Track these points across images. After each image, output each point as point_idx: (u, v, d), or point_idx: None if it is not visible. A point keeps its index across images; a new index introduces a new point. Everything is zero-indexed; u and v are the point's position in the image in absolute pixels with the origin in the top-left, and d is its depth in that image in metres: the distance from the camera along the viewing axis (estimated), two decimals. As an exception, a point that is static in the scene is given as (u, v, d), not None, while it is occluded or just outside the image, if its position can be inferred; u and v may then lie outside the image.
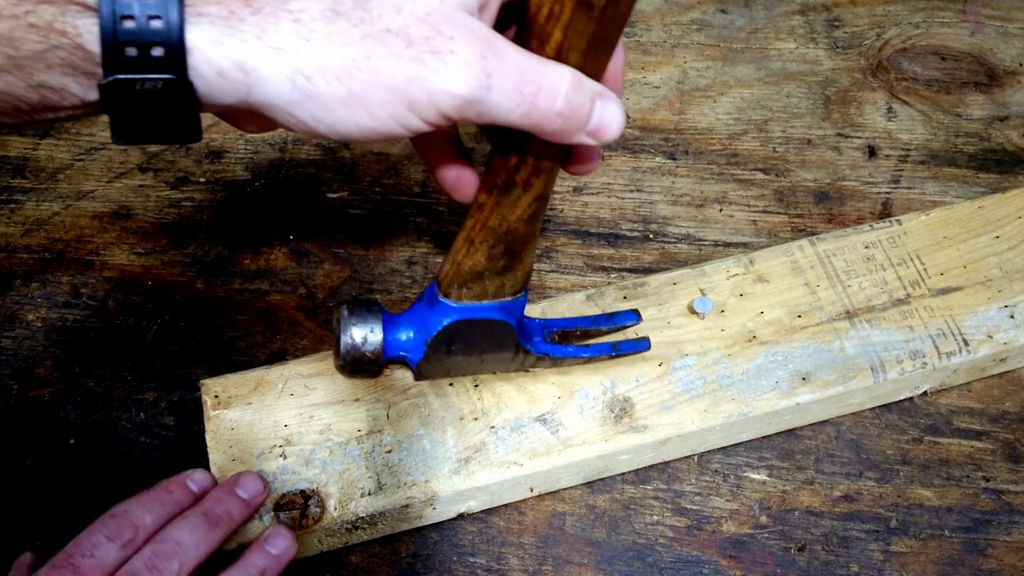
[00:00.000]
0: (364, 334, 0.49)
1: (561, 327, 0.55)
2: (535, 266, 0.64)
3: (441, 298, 0.48)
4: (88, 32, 0.32)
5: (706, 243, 0.65)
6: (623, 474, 0.56)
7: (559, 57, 0.35)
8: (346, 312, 0.49)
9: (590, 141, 0.37)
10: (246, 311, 0.63)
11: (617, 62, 0.40)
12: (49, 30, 0.31)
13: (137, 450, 0.57)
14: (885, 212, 0.66)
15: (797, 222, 0.66)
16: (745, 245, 0.65)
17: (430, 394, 0.54)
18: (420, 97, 0.34)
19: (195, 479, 0.49)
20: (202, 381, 0.54)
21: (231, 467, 0.51)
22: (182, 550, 0.44)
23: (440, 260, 0.64)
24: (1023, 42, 0.75)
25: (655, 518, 0.55)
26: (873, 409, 0.58)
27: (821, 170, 0.69)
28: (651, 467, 0.56)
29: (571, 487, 0.56)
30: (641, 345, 0.54)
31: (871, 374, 0.55)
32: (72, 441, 0.58)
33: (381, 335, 0.49)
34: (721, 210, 0.67)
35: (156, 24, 0.32)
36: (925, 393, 0.58)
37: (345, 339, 0.49)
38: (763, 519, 0.55)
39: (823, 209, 0.67)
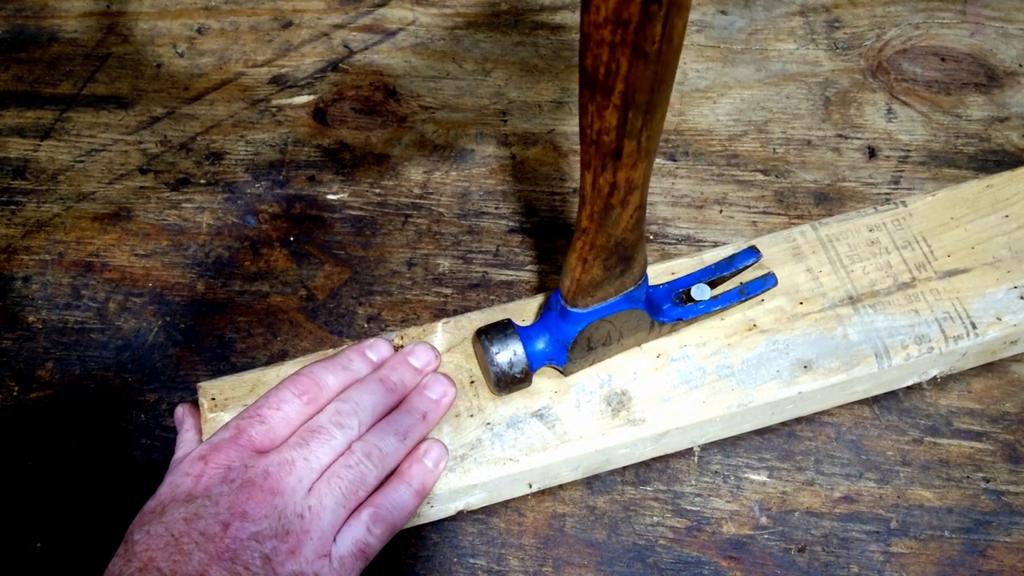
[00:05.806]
0: (509, 357, 0.50)
1: (685, 285, 0.55)
2: (535, 268, 0.64)
3: (569, 308, 0.49)
4: None
5: (706, 244, 0.65)
6: (623, 475, 0.56)
7: (626, 102, 0.36)
8: (486, 342, 0.51)
9: None
10: (246, 313, 0.63)
11: None
12: None
13: (137, 451, 0.57)
14: (885, 213, 0.66)
15: (797, 223, 0.66)
16: (745, 246, 0.65)
17: (430, 395, 0.54)
18: None
19: (375, 349, 0.52)
20: (199, 384, 0.54)
21: (231, 468, 0.51)
22: (360, 410, 0.48)
23: (440, 260, 0.64)
24: (1023, 43, 0.75)
25: (655, 519, 0.55)
26: (873, 409, 0.58)
27: (821, 171, 0.69)
28: (651, 468, 0.56)
29: (571, 488, 0.56)
30: (768, 282, 0.54)
31: (875, 361, 0.54)
32: (73, 443, 0.58)
33: (524, 353, 0.51)
34: (721, 211, 0.67)
35: None
36: (935, 379, 0.57)
37: (494, 369, 0.50)
38: (763, 520, 0.55)
39: (823, 210, 0.67)
